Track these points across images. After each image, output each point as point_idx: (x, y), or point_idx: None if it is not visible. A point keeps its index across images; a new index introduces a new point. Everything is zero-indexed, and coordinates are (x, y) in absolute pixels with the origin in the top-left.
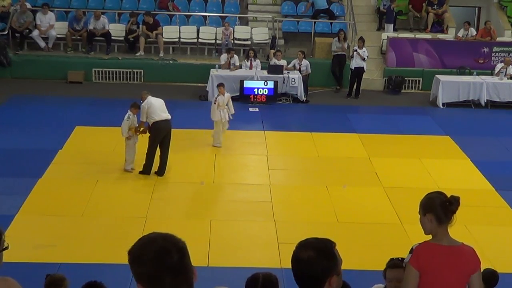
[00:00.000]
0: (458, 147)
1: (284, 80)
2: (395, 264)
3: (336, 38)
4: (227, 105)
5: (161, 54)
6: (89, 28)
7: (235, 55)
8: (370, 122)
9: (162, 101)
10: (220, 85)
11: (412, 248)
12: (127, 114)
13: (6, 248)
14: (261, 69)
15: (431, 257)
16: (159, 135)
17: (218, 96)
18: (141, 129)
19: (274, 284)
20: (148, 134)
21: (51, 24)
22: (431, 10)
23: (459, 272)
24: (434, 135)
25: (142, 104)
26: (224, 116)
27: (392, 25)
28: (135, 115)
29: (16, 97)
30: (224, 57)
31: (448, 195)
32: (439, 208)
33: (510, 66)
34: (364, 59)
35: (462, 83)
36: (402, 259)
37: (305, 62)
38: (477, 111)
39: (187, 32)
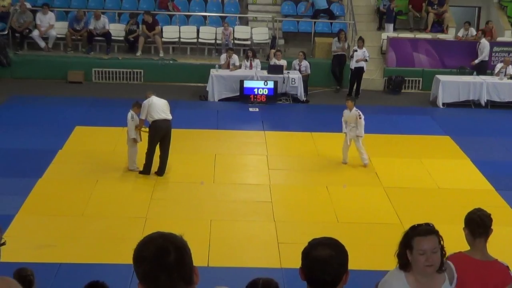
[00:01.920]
0: (458, 147)
1: (284, 80)
2: (428, 230)
3: (336, 38)
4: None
5: (161, 54)
6: (89, 28)
7: (234, 55)
8: (370, 122)
9: (165, 102)
10: (349, 99)
11: (447, 257)
12: (130, 114)
13: (4, 244)
14: (261, 69)
15: (462, 267)
16: (158, 134)
17: (345, 110)
18: (141, 127)
19: None
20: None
21: (51, 24)
22: (431, 10)
23: (488, 286)
24: (434, 135)
25: (144, 102)
26: (349, 132)
27: (392, 25)
28: (137, 114)
29: (16, 97)
30: (223, 57)
31: (485, 212)
32: (473, 223)
33: (510, 66)
34: (366, 60)
35: (462, 83)
36: (428, 224)
37: (304, 62)
38: (477, 111)
39: (187, 32)
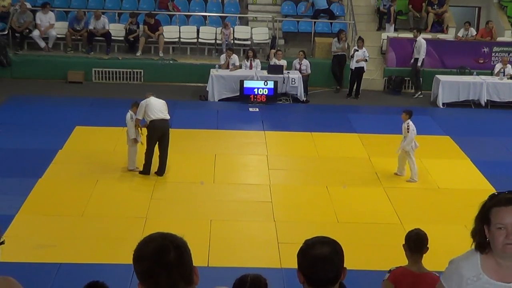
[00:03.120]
0: (458, 147)
1: (284, 80)
2: (509, 199)
3: (336, 39)
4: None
5: (161, 54)
6: (89, 28)
7: (234, 55)
8: (370, 122)
9: (163, 102)
10: (403, 111)
11: (390, 270)
12: (129, 114)
13: (2, 243)
14: (261, 69)
15: (403, 278)
16: (156, 133)
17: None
18: (138, 126)
19: (262, 285)
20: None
21: (51, 24)
22: (431, 10)
23: None
24: (434, 135)
25: (141, 102)
26: (402, 145)
27: (393, 25)
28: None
29: (16, 97)
30: (223, 57)
31: (416, 232)
32: (410, 240)
33: (509, 66)
34: (366, 60)
35: (462, 83)
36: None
37: (305, 62)
38: (477, 111)
39: (187, 32)
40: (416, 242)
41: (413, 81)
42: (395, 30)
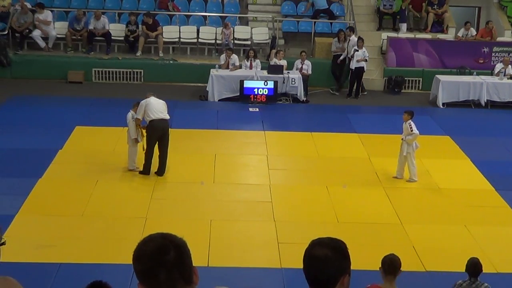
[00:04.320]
0: (458, 147)
1: (284, 80)
2: None
3: (336, 39)
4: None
5: (161, 54)
6: (89, 28)
7: (234, 55)
8: (370, 122)
9: (163, 102)
10: (404, 112)
11: (366, 287)
12: (130, 114)
13: (3, 243)
14: (261, 69)
15: None
16: (155, 133)
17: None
18: (138, 126)
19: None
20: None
21: (48, 20)
22: (431, 10)
23: None
24: (434, 135)
25: (141, 102)
26: (403, 148)
27: (406, 24)
28: None
29: (16, 97)
30: (223, 57)
31: (395, 260)
32: (385, 264)
33: (510, 66)
34: (366, 60)
35: (462, 83)
36: None
37: (307, 62)
38: (477, 111)
39: (187, 32)
40: (390, 266)
41: (336, 77)
42: (395, 30)
